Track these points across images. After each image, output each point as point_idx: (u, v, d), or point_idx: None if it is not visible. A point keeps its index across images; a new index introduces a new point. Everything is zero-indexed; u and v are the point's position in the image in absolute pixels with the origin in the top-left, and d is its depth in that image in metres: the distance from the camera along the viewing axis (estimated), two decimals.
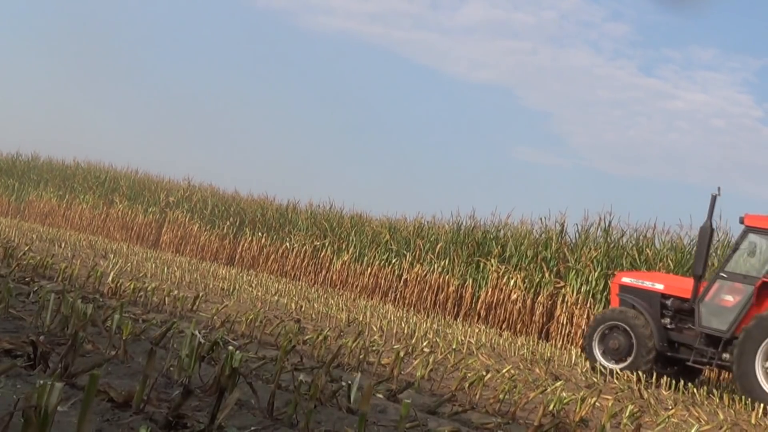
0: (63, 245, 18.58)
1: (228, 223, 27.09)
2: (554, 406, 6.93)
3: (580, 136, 53.72)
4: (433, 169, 48.13)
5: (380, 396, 6.22)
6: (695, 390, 11.14)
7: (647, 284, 13.24)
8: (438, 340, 11.84)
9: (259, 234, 26.08)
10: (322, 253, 24.24)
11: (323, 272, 24.02)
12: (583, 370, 11.47)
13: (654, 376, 11.59)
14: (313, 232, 25.01)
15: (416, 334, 11.93)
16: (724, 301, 12.24)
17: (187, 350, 5.11)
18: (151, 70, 56.21)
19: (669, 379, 11.57)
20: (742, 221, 12.38)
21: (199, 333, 5.30)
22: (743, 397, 11.01)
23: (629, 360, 12.54)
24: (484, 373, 7.98)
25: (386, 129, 52.65)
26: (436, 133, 54.09)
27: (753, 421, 9.02)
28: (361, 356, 7.99)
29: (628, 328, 12.74)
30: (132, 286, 10.29)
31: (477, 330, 16.16)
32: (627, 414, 7.45)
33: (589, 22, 53.49)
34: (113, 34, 57.63)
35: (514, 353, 12.58)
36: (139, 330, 6.96)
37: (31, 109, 53.88)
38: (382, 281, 22.40)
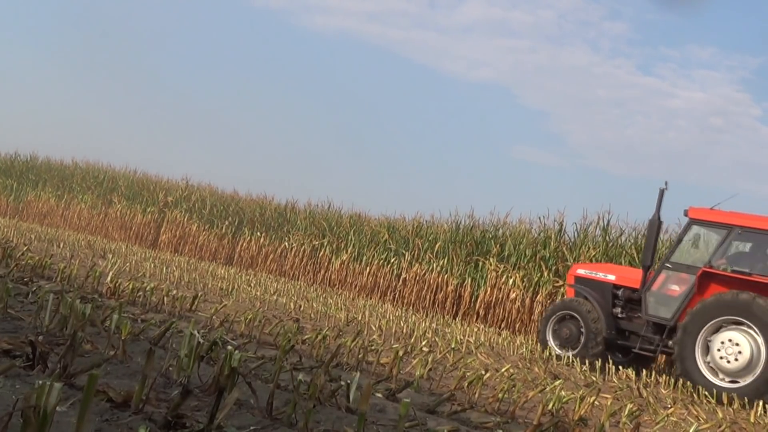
0: (61, 245, 18.57)
1: (227, 223, 27.08)
2: (553, 405, 6.94)
3: (579, 135, 53.76)
4: (432, 169, 48.19)
5: (379, 395, 6.23)
6: (694, 388, 11.15)
7: (600, 275, 13.84)
8: (437, 339, 11.84)
9: (258, 233, 26.07)
10: (321, 253, 24.24)
11: (322, 272, 24.01)
12: (582, 369, 11.48)
13: (652, 373, 11.60)
14: (311, 232, 25.01)
15: (415, 333, 11.93)
16: (670, 290, 12.76)
17: (186, 350, 5.11)
18: (150, 70, 56.21)
19: (668, 378, 11.59)
20: (686, 214, 12.92)
21: (198, 333, 5.30)
22: (684, 380, 11.49)
23: (579, 347, 13.15)
24: (483, 372, 7.98)
25: (384, 128, 52.67)
26: (435, 132, 54.11)
27: (752, 420, 9.03)
28: (360, 356, 7.99)
29: (578, 317, 13.34)
30: (131, 286, 10.28)
31: (476, 329, 16.16)
32: (626, 413, 7.46)
33: (587, 20, 53.54)
34: (111, 34, 57.60)
35: (513, 352, 12.59)
36: (137, 330, 6.96)
37: (30, 109, 53.87)
38: (381, 280, 22.40)
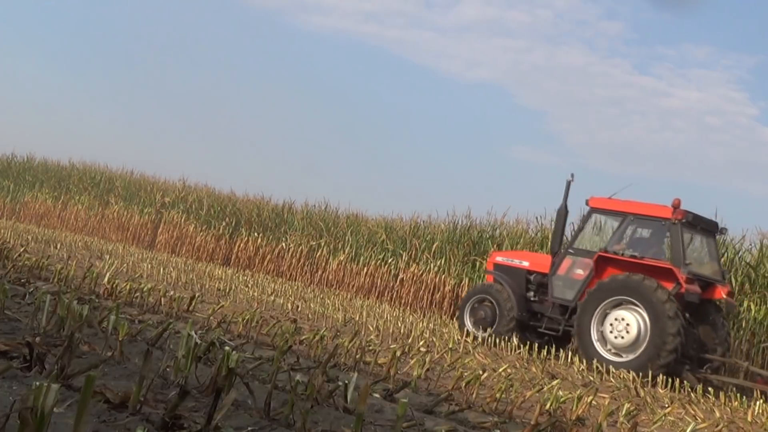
0: (59, 246, 18.55)
1: (224, 224, 27.06)
2: (551, 405, 6.94)
3: (576, 135, 53.82)
4: (429, 169, 48.22)
5: (377, 396, 6.23)
6: (691, 388, 11.16)
7: (515, 262, 14.97)
8: (434, 339, 11.85)
9: (255, 234, 26.06)
10: (318, 253, 24.23)
11: (319, 272, 24.00)
12: (580, 369, 11.49)
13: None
14: (309, 232, 25.00)
15: (413, 333, 11.94)
16: (572, 274, 13.81)
17: (183, 351, 5.10)
18: (147, 70, 56.18)
19: (665, 377, 11.60)
20: (587, 203, 14.05)
21: (196, 333, 5.30)
22: (580, 356, 12.68)
23: (493, 328, 14.26)
24: (481, 372, 7.99)
25: (381, 128, 52.68)
26: (432, 132, 54.15)
27: (749, 419, 9.05)
28: (357, 356, 7.99)
29: (493, 301, 14.47)
30: (128, 287, 10.27)
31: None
32: (623, 412, 7.46)
33: (583, 20, 53.60)
34: (108, 35, 57.57)
35: (511, 352, 12.60)
36: (135, 331, 6.95)
37: (27, 110, 53.81)
38: (379, 281, 22.40)
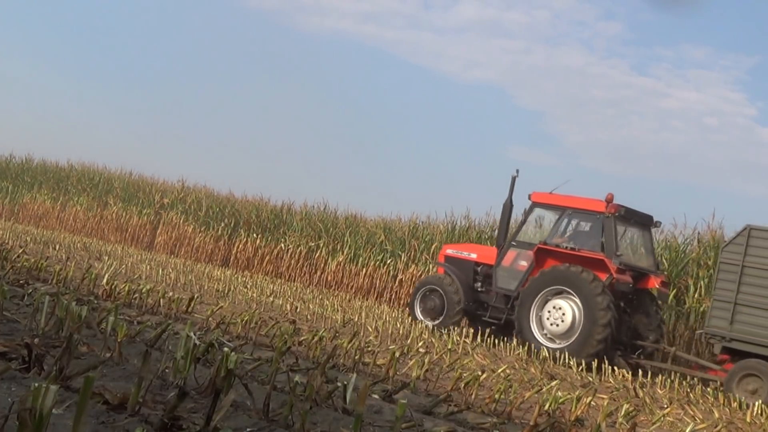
0: (57, 247, 18.53)
1: (222, 225, 27.04)
2: (550, 406, 6.94)
3: (574, 135, 53.81)
4: (428, 169, 48.18)
5: (376, 396, 6.23)
6: (690, 389, 11.17)
7: (464, 254, 15.59)
8: (433, 340, 11.84)
9: (254, 235, 26.03)
10: (317, 254, 24.22)
11: (318, 273, 23.98)
12: (579, 369, 11.49)
13: (648, 374, 11.61)
14: (307, 233, 24.98)
15: (411, 334, 11.93)
16: (515, 265, 14.50)
17: (182, 352, 5.10)
18: (145, 71, 56.15)
19: (664, 378, 11.61)
20: (530, 197, 14.69)
21: (194, 335, 5.29)
22: (518, 340, 13.37)
23: (441, 317, 14.90)
24: (480, 373, 7.99)
25: (380, 129, 52.67)
26: (430, 132, 54.14)
27: (748, 420, 9.05)
28: (356, 357, 7.99)
29: (441, 291, 15.11)
30: (127, 288, 10.27)
31: (472, 330, 16.15)
32: (622, 413, 7.46)
33: (581, 21, 53.60)
34: (107, 36, 57.56)
35: (510, 353, 12.60)
36: (134, 332, 6.95)
37: (25, 111, 53.78)
38: (377, 282, 22.39)
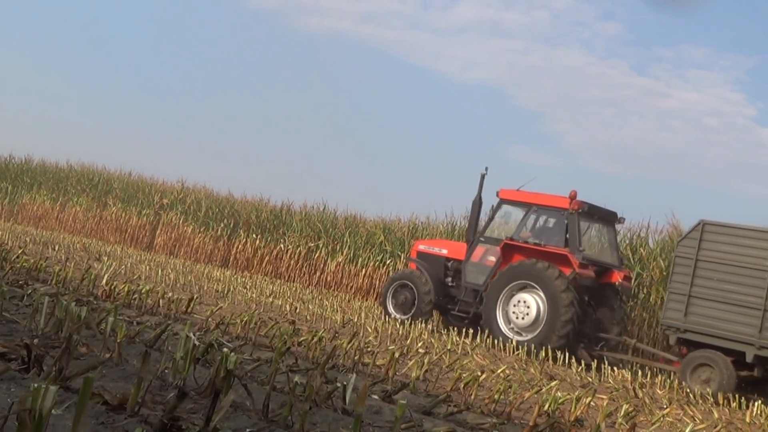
0: (57, 248, 18.53)
1: (222, 225, 27.03)
2: (549, 406, 6.94)
3: (573, 136, 53.79)
4: (427, 170, 48.18)
5: (375, 397, 6.23)
6: (689, 389, 11.17)
7: (435, 250, 16.02)
8: (433, 340, 11.84)
9: (254, 236, 26.02)
10: (317, 255, 24.21)
11: (317, 273, 23.97)
12: (578, 370, 11.49)
13: (648, 374, 11.61)
14: (307, 234, 24.98)
15: (411, 334, 11.93)
16: (484, 260, 14.91)
17: (181, 352, 5.10)
18: (144, 71, 56.14)
19: (663, 378, 11.62)
20: (498, 195, 15.14)
21: (194, 335, 5.29)
22: (483, 332, 13.74)
23: (413, 311, 15.26)
24: (479, 373, 7.99)
25: (379, 129, 52.66)
26: (430, 133, 54.14)
27: (747, 420, 9.05)
28: (356, 357, 7.99)
29: (412, 286, 15.48)
30: (126, 289, 10.27)
31: (472, 330, 16.16)
32: (622, 413, 7.46)
33: (581, 21, 53.57)
34: (106, 36, 57.54)
35: (510, 353, 12.60)
36: (133, 332, 6.95)
37: (24, 111, 53.77)
38: (377, 282, 22.37)
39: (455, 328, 15.24)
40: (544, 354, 12.41)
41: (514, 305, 13.96)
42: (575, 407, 6.97)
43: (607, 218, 14.99)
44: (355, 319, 13.35)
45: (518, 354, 12.59)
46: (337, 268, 23.45)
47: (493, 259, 14.71)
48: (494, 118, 54.12)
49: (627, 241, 19.01)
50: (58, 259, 15.40)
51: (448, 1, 54.45)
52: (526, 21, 52.87)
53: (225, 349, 4.74)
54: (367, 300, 21.48)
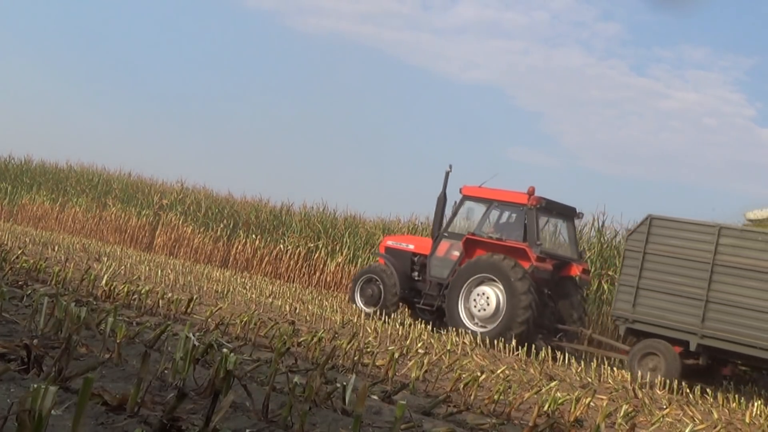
0: (56, 248, 18.53)
1: (222, 226, 27.02)
2: (549, 407, 6.94)
3: (573, 136, 53.82)
4: (427, 170, 48.17)
5: (375, 397, 6.23)
6: (689, 389, 11.17)
7: (403, 245, 16.55)
8: (432, 341, 11.85)
9: (253, 236, 26.02)
10: (316, 255, 24.21)
11: (317, 274, 23.97)
12: (578, 370, 11.49)
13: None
14: (306, 234, 24.97)
15: (411, 335, 11.93)
16: (447, 255, 15.34)
17: (181, 353, 5.10)
18: (143, 72, 56.14)
19: (663, 379, 11.62)
20: (461, 191, 15.53)
21: (194, 336, 5.29)
22: (449, 327, 14.29)
23: (379, 304, 15.80)
24: (479, 373, 8.00)
25: (379, 129, 52.64)
26: (429, 133, 54.13)
27: (747, 420, 9.05)
28: (355, 358, 7.99)
29: (379, 280, 16.04)
30: (126, 289, 10.27)
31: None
32: (621, 414, 7.47)
33: (580, 21, 53.60)
34: (105, 36, 57.54)
35: (509, 353, 12.60)
36: (133, 333, 6.95)
37: (24, 111, 53.76)
38: None
39: (455, 328, 15.25)
40: (514, 347, 12.83)
41: (474, 299, 14.38)
42: (575, 407, 6.98)
43: (566, 213, 15.44)
44: (355, 320, 13.35)
45: (518, 354, 12.58)
46: (336, 269, 23.45)
47: (456, 253, 15.13)
48: (494, 118, 54.15)
49: (619, 239, 19.01)
50: (57, 259, 15.40)
51: (447, 1, 54.50)
52: (525, 21, 52.91)
53: (224, 350, 4.74)
54: None
